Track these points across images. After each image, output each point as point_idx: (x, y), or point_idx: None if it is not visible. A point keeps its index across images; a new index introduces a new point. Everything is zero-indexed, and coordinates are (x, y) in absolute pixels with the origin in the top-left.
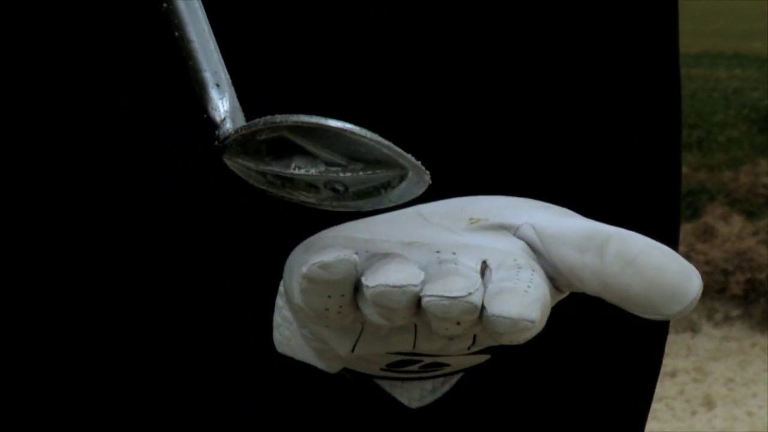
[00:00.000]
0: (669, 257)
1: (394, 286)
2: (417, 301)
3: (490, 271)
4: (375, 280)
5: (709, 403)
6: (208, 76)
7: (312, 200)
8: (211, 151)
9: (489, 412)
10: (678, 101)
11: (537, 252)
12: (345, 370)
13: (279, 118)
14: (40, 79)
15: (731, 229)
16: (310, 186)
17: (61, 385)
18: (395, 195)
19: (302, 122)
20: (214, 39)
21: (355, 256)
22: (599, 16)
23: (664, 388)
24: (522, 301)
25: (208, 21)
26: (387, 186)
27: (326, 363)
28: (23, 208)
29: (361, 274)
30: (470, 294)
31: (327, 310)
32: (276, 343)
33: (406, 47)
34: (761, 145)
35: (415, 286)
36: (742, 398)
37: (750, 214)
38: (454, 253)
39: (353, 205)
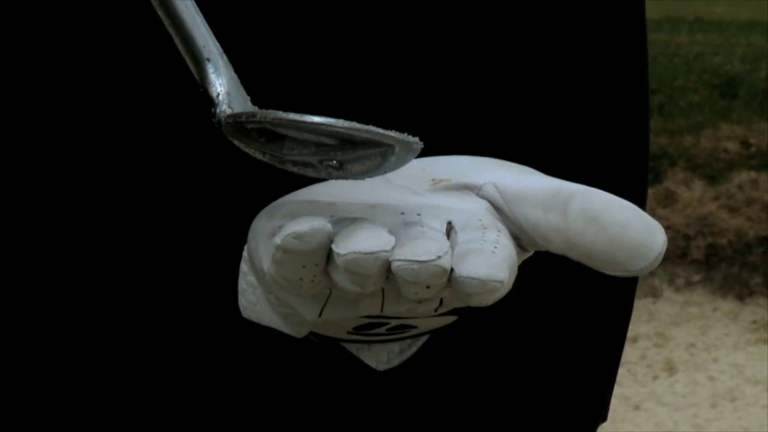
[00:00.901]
0: (632, 213)
1: (366, 253)
2: (388, 266)
3: (456, 233)
4: (346, 247)
5: (670, 368)
6: (198, 51)
7: (313, 174)
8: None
9: (455, 373)
10: (645, 67)
11: (500, 211)
12: (311, 333)
13: (258, 114)
14: (44, 69)
15: (692, 194)
16: (307, 164)
17: (47, 358)
18: (391, 164)
19: (280, 119)
20: (200, 14)
21: (328, 225)
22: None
23: (625, 353)
24: (490, 261)
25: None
26: (384, 155)
27: (292, 328)
28: (24, 197)
29: (332, 242)
30: (439, 257)
31: (301, 279)
32: (241, 308)
33: (391, 44)
34: (722, 110)
35: (387, 252)
36: (704, 363)
37: (711, 179)
38: (418, 215)
39: (355, 176)
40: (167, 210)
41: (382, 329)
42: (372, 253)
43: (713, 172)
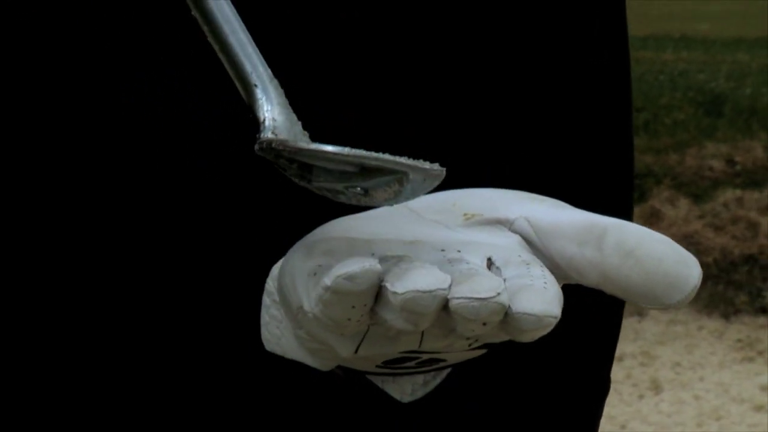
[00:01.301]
0: (668, 246)
1: (424, 291)
2: (443, 304)
3: (498, 269)
4: (403, 286)
5: (656, 387)
6: (247, 77)
7: (344, 200)
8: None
9: (461, 394)
10: (628, 85)
11: (532, 245)
12: (338, 367)
13: (274, 142)
14: (63, 66)
15: (677, 213)
16: (336, 191)
17: (48, 363)
18: (409, 191)
19: (299, 148)
20: (250, 38)
21: (378, 266)
22: (550, 5)
23: (611, 372)
24: (544, 297)
25: (240, 20)
26: (400, 182)
27: (320, 362)
28: (31, 197)
29: (383, 282)
30: (498, 294)
31: (348, 320)
32: (264, 341)
33: (383, 46)
34: (707, 128)
35: (444, 290)
36: (689, 382)
37: (696, 198)
38: (458, 251)
39: (380, 203)
40: (187, 240)
41: (412, 363)
42: (430, 291)
43: (698, 190)
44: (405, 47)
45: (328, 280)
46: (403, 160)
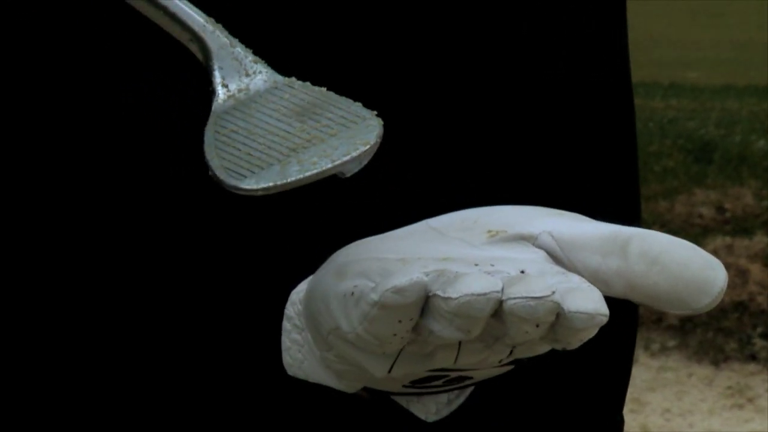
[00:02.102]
0: (692, 251)
1: (479, 294)
2: (493, 312)
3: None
4: (458, 291)
5: None
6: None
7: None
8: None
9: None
10: (629, 94)
11: (557, 260)
12: (363, 388)
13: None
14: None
15: None
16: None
17: (79, 385)
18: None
19: (237, 188)
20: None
21: (426, 277)
22: (553, 50)
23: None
24: (594, 296)
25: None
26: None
27: (346, 384)
28: (37, 198)
29: (431, 292)
30: (553, 293)
31: (394, 335)
32: (286, 365)
33: (377, 44)
34: (697, 175)
35: (498, 292)
36: (679, 428)
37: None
38: (492, 265)
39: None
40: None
41: (440, 381)
42: (484, 294)
43: (688, 237)
44: (407, 54)
45: (375, 296)
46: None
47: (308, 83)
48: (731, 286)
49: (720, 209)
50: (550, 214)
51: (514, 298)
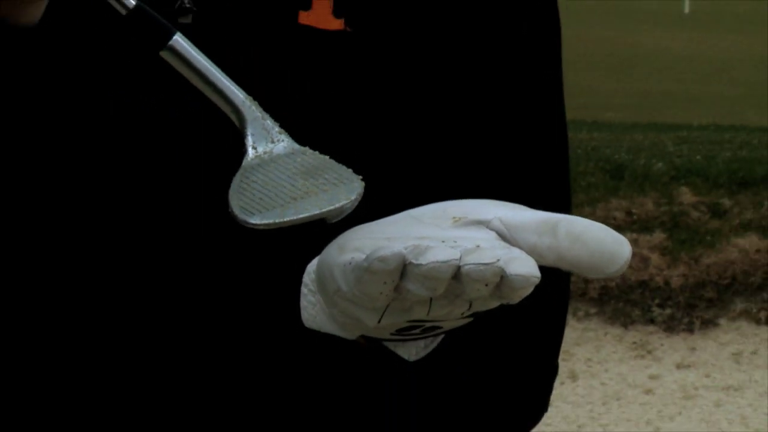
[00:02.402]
0: (605, 231)
1: (442, 262)
2: (453, 275)
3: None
4: (426, 259)
5: (573, 377)
6: (234, 93)
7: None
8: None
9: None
10: (566, 150)
11: (504, 238)
12: (361, 336)
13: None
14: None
15: None
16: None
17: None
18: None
19: (252, 224)
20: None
21: (404, 250)
22: (498, 91)
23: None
24: (529, 264)
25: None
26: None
27: (348, 333)
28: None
29: (407, 261)
30: (498, 261)
31: (381, 293)
32: (304, 320)
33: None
34: (612, 189)
35: (456, 260)
36: (598, 373)
37: None
38: (455, 242)
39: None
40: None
41: (418, 330)
42: (446, 261)
43: None
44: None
45: (366, 264)
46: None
47: (317, 152)
48: (636, 269)
49: (629, 213)
50: (500, 205)
51: (469, 264)
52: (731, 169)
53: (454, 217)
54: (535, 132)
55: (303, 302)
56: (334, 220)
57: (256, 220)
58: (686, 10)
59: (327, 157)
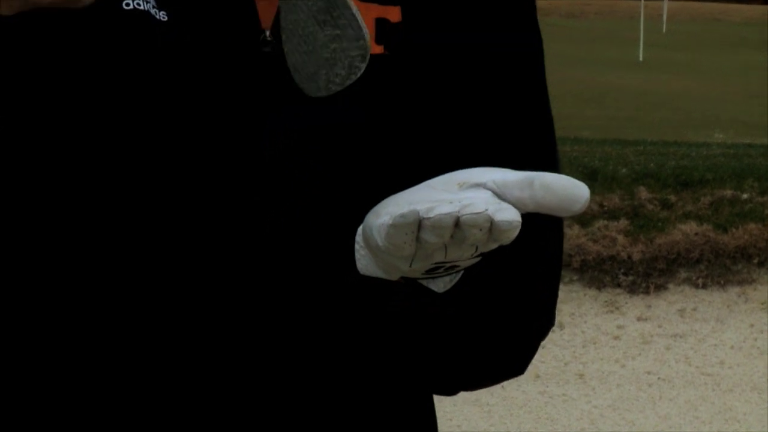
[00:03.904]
0: (569, 180)
1: (445, 214)
2: (456, 223)
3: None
4: (433, 213)
5: (561, 326)
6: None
7: None
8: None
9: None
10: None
11: (497, 195)
12: (401, 277)
13: None
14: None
15: (572, 233)
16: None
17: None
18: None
19: None
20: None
21: (418, 209)
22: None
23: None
24: (512, 212)
25: None
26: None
27: (391, 275)
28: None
29: (422, 217)
30: (486, 210)
31: (405, 243)
32: (359, 268)
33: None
34: (589, 187)
35: (456, 212)
36: (579, 324)
37: (583, 224)
38: (459, 201)
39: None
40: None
41: (441, 270)
42: (448, 213)
43: (584, 220)
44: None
45: (390, 220)
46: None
47: None
48: (607, 246)
49: (601, 206)
50: (493, 170)
51: (465, 215)
52: (676, 174)
53: (458, 183)
54: (531, 119)
55: (356, 255)
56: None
57: (319, 94)
58: (640, 58)
59: None
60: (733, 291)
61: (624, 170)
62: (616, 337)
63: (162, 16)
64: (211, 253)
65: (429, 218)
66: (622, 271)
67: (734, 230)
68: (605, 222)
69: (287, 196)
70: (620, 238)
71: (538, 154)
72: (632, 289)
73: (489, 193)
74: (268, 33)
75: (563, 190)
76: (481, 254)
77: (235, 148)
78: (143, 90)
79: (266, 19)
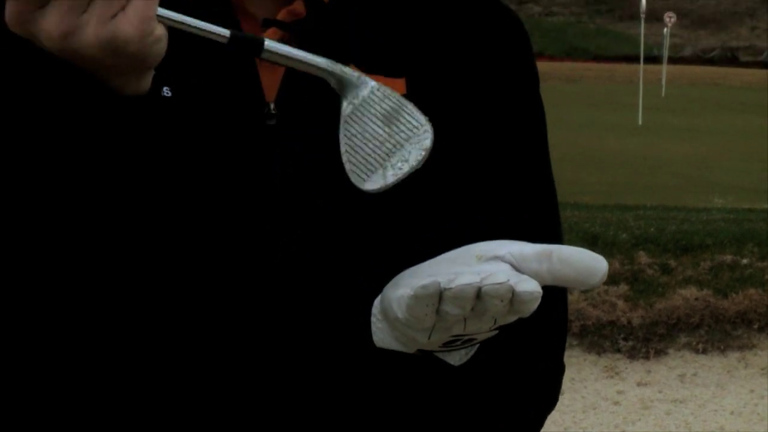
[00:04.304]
0: (587, 254)
1: (467, 284)
2: (477, 295)
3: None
4: (455, 284)
5: (561, 391)
6: (322, 62)
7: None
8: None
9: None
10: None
11: (515, 267)
12: (417, 350)
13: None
14: None
15: (572, 297)
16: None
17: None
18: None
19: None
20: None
21: (439, 281)
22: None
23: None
24: (533, 284)
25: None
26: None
27: (408, 348)
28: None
29: (442, 289)
30: (508, 281)
31: (425, 315)
32: (375, 341)
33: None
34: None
35: (478, 282)
36: (579, 389)
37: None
38: (478, 273)
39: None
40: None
41: (459, 342)
42: (470, 284)
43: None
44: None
45: (411, 291)
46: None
47: (387, 88)
48: (607, 311)
49: None
50: (511, 243)
51: (487, 285)
52: (676, 239)
53: (477, 255)
54: (533, 190)
55: (373, 328)
56: (419, 166)
57: (367, 187)
58: (639, 123)
59: (396, 94)
60: (734, 356)
61: (624, 235)
62: (616, 403)
63: (165, 91)
64: (223, 277)
65: (450, 289)
66: (622, 336)
67: (734, 295)
68: (605, 287)
69: (299, 223)
70: (620, 303)
71: (540, 224)
72: (632, 354)
73: (507, 265)
74: (272, 105)
75: (581, 263)
76: (499, 327)
77: (244, 209)
78: (156, 165)
79: (270, 92)
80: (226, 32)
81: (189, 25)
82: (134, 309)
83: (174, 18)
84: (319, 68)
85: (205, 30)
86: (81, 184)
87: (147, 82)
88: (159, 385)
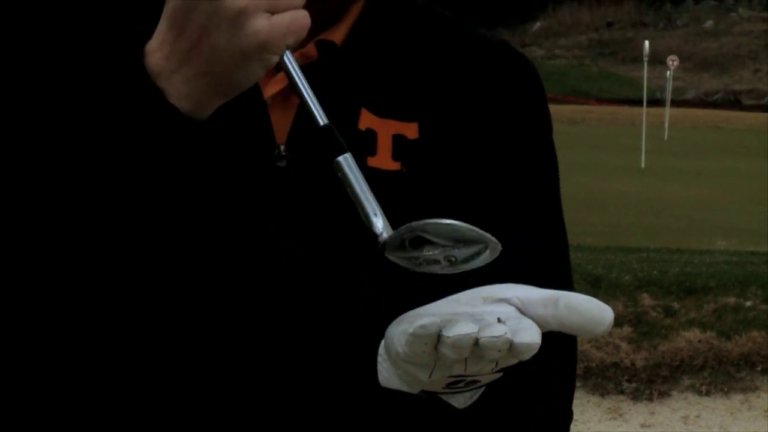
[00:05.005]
0: (593, 302)
1: (463, 335)
2: (475, 342)
3: (504, 323)
4: (452, 332)
5: None
6: (369, 209)
7: (437, 270)
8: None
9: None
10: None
11: (521, 311)
12: (421, 391)
13: (414, 224)
14: None
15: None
16: (436, 261)
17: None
18: (483, 259)
19: (428, 223)
20: (371, 191)
21: (438, 320)
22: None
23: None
24: (532, 333)
25: (365, 181)
26: (478, 254)
27: (411, 388)
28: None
29: (441, 332)
30: (506, 334)
31: (424, 352)
32: (380, 381)
33: None
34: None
35: (476, 333)
36: (581, 429)
37: None
38: (483, 316)
39: (461, 268)
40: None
41: (462, 384)
42: (467, 334)
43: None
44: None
45: (411, 329)
46: (488, 234)
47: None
48: (610, 353)
49: None
50: (517, 287)
51: (485, 337)
52: (679, 281)
53: (483, 297)
54: (545, 233)
55: (379, 368)
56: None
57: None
58: (642, 165)
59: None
60: (737, 398)
61: (627, 277)
62: None
63: None
64: (227, 281)
65: (448, 336)
66: (625, 377)
67: (737, 338)
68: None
69: (304, 228)
70: (624, 345)
71: (550, 269)
72: (636, 396)
73: (512, 308)
74: (282, 148)
75: (588, 312)
76: (502, 369)
77: (253, 257)
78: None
79: (281, 134)
80: (325, 120)
81: (298, 91)
82: (140, 312)
83: (292, 62)
84: (365, 214)
85: (310, 106)
86: (105, 186)
87: (214, 107)
88: (163, 387)
